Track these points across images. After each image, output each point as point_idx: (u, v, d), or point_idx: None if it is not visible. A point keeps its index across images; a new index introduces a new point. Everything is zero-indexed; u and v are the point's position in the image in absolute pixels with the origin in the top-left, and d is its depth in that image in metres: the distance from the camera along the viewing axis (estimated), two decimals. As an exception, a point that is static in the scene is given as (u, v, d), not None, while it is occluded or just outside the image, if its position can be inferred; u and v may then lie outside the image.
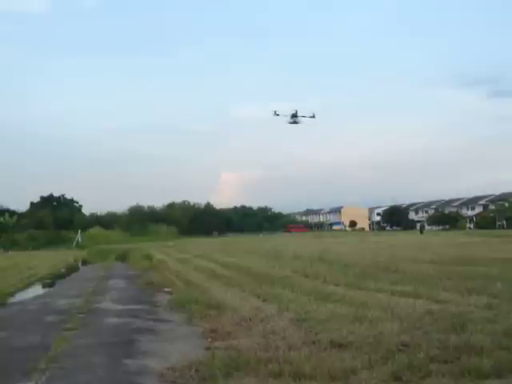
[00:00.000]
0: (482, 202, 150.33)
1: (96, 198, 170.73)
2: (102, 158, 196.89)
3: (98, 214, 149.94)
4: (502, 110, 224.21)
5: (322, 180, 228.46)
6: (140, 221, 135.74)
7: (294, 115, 76.42)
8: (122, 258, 56.76)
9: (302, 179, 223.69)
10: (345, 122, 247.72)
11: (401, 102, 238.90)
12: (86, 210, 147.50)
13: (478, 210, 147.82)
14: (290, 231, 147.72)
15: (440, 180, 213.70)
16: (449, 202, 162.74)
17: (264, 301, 16.81)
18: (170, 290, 22.90)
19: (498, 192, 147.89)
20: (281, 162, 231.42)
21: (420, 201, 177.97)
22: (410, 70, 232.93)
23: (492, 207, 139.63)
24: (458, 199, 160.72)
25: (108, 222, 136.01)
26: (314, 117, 79.21)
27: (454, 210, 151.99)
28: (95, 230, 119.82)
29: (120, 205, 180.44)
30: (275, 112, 77.69)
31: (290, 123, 77.43)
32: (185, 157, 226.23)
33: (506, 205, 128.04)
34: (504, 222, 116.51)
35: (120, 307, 19.13)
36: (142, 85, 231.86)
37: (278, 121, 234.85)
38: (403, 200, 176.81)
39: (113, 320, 16.24)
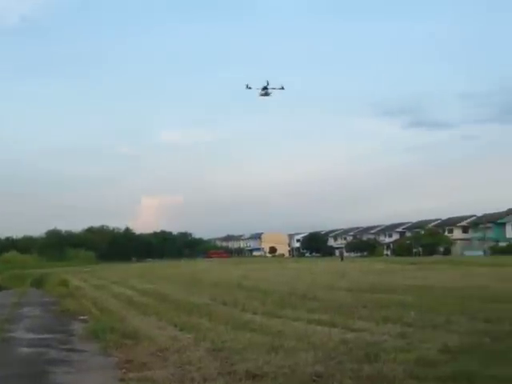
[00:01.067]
0: (399, 229, 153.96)
1: (12, 221, 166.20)
2: (19, 180, 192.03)
3: (14, 237, 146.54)
4: (419, 139, 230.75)
5: (243, 206, 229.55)
6: (57, 245, 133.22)
7: (265, 87, 78.88)
8: (38, 283, 55.15)
9: (222, 205, 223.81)
10: (266, 148, 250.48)
11: (322, 129, 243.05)
12: (1, 234, 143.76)
13: (395, 237, 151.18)
14: (210, 257, 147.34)
15: (359, 207, 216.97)
16: (367, 229, 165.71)
17: (181, 330, 16.64)
18: (85, 317, 22.36)
19: (414, 220, 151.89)
20: (202, 187, 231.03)
21: (339, 227, 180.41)
22: (333, 99, 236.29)
23: (408, 234, 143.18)
24: (376, 226, 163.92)
25: (24, 246, 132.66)
26: (283, 88, 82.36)
27: (372, 237, 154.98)
28: (10, 255, 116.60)
29: (37, 228, 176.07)
30: (247, 85, 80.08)
31: (262, 95, 79.94)
32: (105, 180, 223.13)
33: (422, 232, 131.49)
34: (420, 249, 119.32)
35: (33, 336, 18.56)
36: (65, 106, 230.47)
37: (200, 146, 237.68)
38: (322, 227, 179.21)
39: (25, 350, 15.74)
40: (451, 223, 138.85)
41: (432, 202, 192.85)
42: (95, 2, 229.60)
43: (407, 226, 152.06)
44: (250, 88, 79.43)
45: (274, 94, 79.58)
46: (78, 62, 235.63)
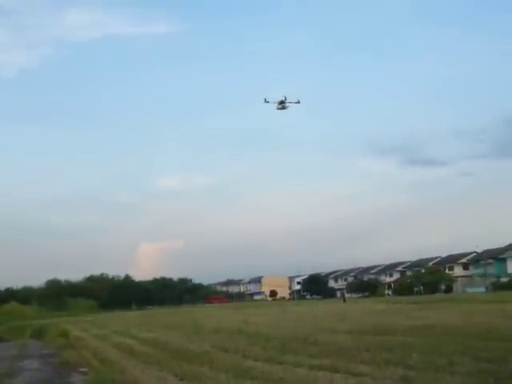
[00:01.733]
0: (400, 268, 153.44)
1: (11, 272, 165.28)
2: (18, 230, 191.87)
3: (14, 288, 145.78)
4: (416, 177, 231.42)
5: (242, 250, 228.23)
6: (57, 295, 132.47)
7: (282, 101, 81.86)
8: (38, 334, 54.60)
9: (222, 249, 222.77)
10: (264, 191, 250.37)
11: (320, 170, 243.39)
12: (1, 285, 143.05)
13: (396, 276, 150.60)
14: (210, 302, 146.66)
15: (358, 247, 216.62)
16: (367, 270, 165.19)
17: (182, 379, 16.48)
18: (85, 369, 22.18)
19: (414, 258, 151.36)
20: (201, 231, 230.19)
21: (339, 269, 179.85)
22: (329, 139, 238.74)
23: (409, 273, 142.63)
24: (376, 266, 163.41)
25: (24, 296, 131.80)
26: (299, 102, 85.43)
27: (373, 277, 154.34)
28: (10, 306, 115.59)
29: (37, 278, 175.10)
30: (265, 99, 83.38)
31: (279, 109, 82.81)
32: (104, 228, 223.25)
33: (423, 271, 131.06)
34: (421, 288, 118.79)
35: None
36: (63, 155, 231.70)
37: (198, 190, 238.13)
38: (323, 268, 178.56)
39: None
40: (452, 260, 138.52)
41: (431, 240, 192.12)
42: (91, 53, 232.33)
43: (407, 264, 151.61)
44: (267, 102, 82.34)
45: (291, 107, 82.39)
46: (74, 111, 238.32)
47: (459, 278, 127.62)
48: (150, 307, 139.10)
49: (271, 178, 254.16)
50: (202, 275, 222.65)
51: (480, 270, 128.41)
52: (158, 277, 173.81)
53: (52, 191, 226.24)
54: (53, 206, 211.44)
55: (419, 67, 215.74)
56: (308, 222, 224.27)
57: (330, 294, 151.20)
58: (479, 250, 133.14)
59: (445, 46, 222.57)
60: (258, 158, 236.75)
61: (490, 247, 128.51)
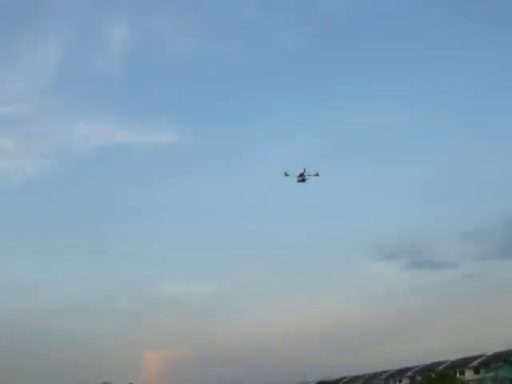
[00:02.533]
0: (409, 373, 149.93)
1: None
2: (18, 338, 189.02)
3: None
4: (421, 280, 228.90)
5: (249, 356, 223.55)
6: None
7: (302, 174, 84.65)
8: None
9: (227, 356, 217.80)
10: (269, 295, 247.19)
11: (325, 274, 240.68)
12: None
13: (405, 382, 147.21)
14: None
15: (367, 352, 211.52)
16: (376, 375, 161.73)
17: None
18: None
19: (423, 362, 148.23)
20: (205, 339, 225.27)
21: (348, 375, 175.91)
22: (333, 243, 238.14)
23: (419, 378, 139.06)
24: (385, 372, 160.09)
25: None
26: (318, 175, 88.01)
27: (382, 383, 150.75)
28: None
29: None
30: (285, 173, 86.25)
31: (299, 181, 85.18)
32: (106, 336, 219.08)
33: (433, 375, 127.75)
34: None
35: None
36: (64, 263, 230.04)
37: (202, 297, 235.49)
38: (330, 374, 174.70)
39: None
40: (462, 364, 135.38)
41: (439, 343, 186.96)
42: (96, 162, 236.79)
43: (417, 369, 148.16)
44: (287, 175, 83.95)
45: (310, 180, 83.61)
46: (77, 218, 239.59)
47: (470, 382, 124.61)
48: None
49: (277, 283, 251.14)
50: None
51: (491, 374, 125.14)
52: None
53: (52, 299, 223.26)
54: (54, 314, 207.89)
55: (422, 170, 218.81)
56: (316, 327, 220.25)
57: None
58: (489, 353, 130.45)
59: (449, 149, 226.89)
60: (264, 262, 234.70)
61: (500, 349, 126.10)
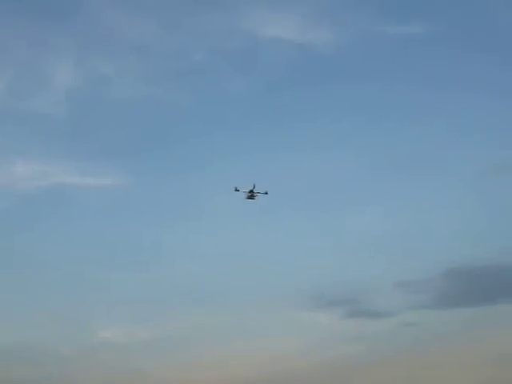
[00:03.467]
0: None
1: None
2: None
3: None
4: (358, 330, 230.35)
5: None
6: None
7: (251, 191, 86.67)
8: None
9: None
10: (203, 345, 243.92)
11: (261, 325, 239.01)
12: None
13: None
14: None
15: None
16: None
17: None
18: None
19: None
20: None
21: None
22: (270, 293, 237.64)
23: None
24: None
25: None
26: (266, 193, 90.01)
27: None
28: None
29: None
30: (236, 188, 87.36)
31: (248, 198, 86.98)
32: (40, 382, 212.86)
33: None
34: None
35: None
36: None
37: (140, 344, 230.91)
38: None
39: None
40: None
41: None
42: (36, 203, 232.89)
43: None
44: (237, 190, 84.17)
45: (258, 197, 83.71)
46: (14, 259, 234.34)
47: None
48: None
49: (213, 330, 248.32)
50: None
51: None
52: None
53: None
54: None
55: (360, 220, 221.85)
56: (251, 373, 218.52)
57: None
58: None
59: (386, 199, 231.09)
60: (199, 310, 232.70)
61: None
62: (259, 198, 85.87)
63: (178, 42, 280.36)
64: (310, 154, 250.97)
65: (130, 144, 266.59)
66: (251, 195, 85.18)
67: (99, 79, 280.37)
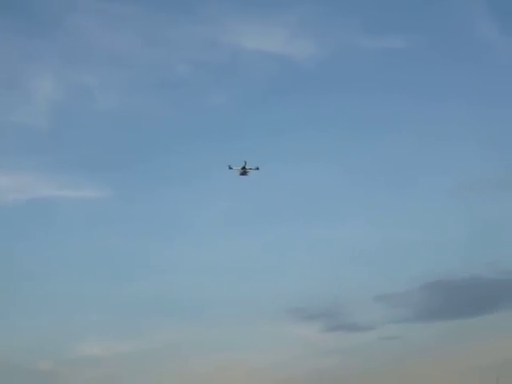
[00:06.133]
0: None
1: None
2: None
3: None
4: (339, 343, 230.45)
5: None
6: None
7: (244, 167, 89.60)
8: None
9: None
10: (186, 359, 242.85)
11: (242, 337, 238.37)
12: None
13: None
14: None
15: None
16: None
17: None
18: None
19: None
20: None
21: None
22: (250, 307, 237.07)
23: None
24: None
25: None
26: (258, 169, 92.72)
27: None
28: None
29: None
30: (229, 166, 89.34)
31: (241, 174, 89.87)
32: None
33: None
34: None
35: None
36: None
37: (122, 358, 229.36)
38: None
39: None
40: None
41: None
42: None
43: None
44: (231, 168, 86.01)
45: (251, 173, 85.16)
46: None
47: None
48: None
49: (196, 345, 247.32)
50: None
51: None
52: None
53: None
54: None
55: (340, 232, 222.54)
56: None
57: None
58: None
59: (366, 212, 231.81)
60: (182, 323, 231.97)
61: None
62: (251, 173, 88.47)
63: (160, 55, 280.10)
64: (292, 165, 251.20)
65: (112, 156, 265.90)
66: (244, 171, 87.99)
67: (81, 92, 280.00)
